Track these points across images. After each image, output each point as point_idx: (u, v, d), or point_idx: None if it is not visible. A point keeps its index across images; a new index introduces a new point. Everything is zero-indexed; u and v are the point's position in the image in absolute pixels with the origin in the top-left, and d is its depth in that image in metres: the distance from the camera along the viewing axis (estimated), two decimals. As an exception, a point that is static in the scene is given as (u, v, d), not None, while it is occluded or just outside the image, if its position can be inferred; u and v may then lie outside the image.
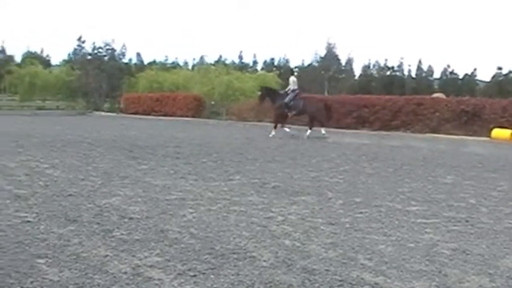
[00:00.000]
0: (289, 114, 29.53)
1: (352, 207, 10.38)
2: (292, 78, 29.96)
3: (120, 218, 9.02)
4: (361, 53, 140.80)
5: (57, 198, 10.58)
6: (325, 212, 9.88)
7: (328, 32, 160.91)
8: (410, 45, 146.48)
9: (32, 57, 76.08)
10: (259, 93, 31.59)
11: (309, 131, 28.88)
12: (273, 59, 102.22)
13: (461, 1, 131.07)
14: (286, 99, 29.09)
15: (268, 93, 30.87)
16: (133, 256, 6.89)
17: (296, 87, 29.67)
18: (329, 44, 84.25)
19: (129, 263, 6.59)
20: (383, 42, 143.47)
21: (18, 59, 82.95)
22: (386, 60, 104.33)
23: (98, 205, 9.97)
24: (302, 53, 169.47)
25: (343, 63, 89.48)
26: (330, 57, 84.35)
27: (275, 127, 29.31)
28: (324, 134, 28.66)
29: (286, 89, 30.03)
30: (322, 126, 29.42)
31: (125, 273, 6.25)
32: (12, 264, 6.49)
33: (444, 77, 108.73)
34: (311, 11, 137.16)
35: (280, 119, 29.75)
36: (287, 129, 29.52)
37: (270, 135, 28.36)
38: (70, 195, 10.89)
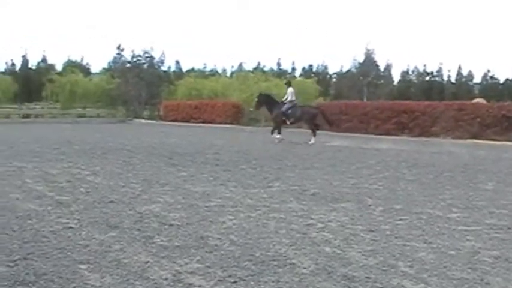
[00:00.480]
0: (287, 121, 29.75)
1: (392, 214, 10.32)
2: (290, 89, 30.26)
3: (160, 224, 9.10)
4: (400, 59, 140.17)
5: (98, 204, 10.70)
6: (365, 219, 9.84)
7: (367, 38, 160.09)
8: (449, 50, 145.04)
9: (72, 66, 76.84)
10: (256, 99, 31.67)
11: (313, 139, 28.99)
12: (311, 65, 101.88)
13: (502, 5, 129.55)
14: (284, 108, 29.48)
15: (266, 100, 31.05)
16: (174, 262, 6.94)
17: (294, 98, 30.11)
18: (367, 50, 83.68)
19: (170, 270, 6.64)
20: (422, 47, 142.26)
21: (59, 67, 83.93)
22: (425, 65, 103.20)
23: (138, 212, 10.06)
24: (340, 59, 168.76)
25: (382, 69, 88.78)
26: (369, 63, 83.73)
27: (279, 132, 29.69)
28: (311, 142, 28.54)
29: (284, 99, 30.42)
30: (314, 134, 29.40)
31: (166, 279, 6.30)
32: (55, 269, 6.59)
33: (485, 82, 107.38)
34: (349, 17, 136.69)
35: (279, 125, 29.99)
36: (277, 136, 29.48)
37: (276, 140, 29.02)
38: (111, 201, 11.01)
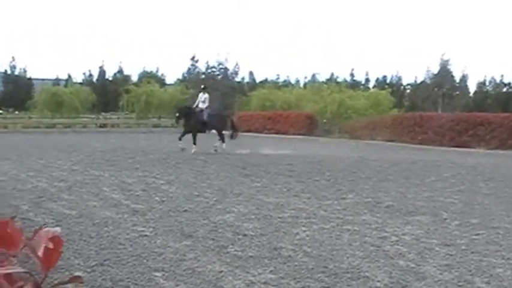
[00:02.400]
0: (206, 131, 28.15)
1: (468, 229, 10.14)
2: (205, 95, 28.54)
3: (234, 234, 9.17)
4: (476, 70, 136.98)
5: (173, 213, 10.86)
6: (440, 233, 9.70)
7: (442, 48, 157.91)
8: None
9: (148, 77, 78.00)
10: (177, 114, 29.04)
11: (223, 144, 27.72)
12: (385, 76, 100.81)
13: None
14: (205, 117, 27.71)
15: (186, 112, 28.59)
16: (248, 272, 6.99)
17: (208, 104, 28.37)
18: (443, 61, 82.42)
19: (243, 279, 6.69)
20: (499, 57, 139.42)
21: (134, 78, 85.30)
22: (502, 76, 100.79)
23: (212, 221, 10.16)
24: (415, 70, 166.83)
25: (457, 80, 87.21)
26: (444, 73, 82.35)
27: (194, 143, 27.01)
28: (215, 147, 27.42)
29: (196, 105, 28.65)
30: (222, 140, 27.94)
31: (239, 289, 6.35)
32: (131, 276, 6.72)
33: None
34: (424, 27, 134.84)
35: (195, 134, 27.39)
36: (181, 144, 27.01)
37: (192, 152, 26.18)
38: (185, 210, 11.15)
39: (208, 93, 29.52)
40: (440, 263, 7.70)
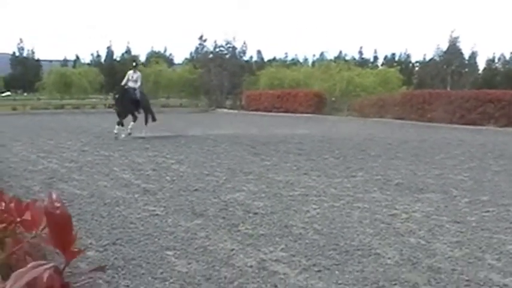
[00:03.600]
0: (136, 113, 24.31)
1: (479, 206, 10.15)
2: (137, 74, 24.62)
3: (245, 212, 9.21)
4: (485, 47, 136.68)
5: (183, 192, 10.91)
6: (450, 210, 9.71)
7: (451, 26, 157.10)
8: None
9: (156, 57, 77.96)
10: (116, 95, 24.47)
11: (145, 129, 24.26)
12: (394, 54, 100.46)
13: None
14: (138, 96, 24.30)
15: (123, 92, 24.12)
16: (259, 250, 7.03)
17: (140, 83, 24.71)
18: (452, 38, 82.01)
19: (255, 257, 6.73)
20: (508, 34, 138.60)
21: (142, 58, 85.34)
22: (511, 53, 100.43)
23: (223, 200, 10.21)
24: (424, 47, 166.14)
25: (467, 57, 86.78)
26: (453, 51, 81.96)
27: (122, 124, 23.53)
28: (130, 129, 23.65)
29: (124, 83, 24.33)
30: (145, 122, 24.76)
31: (251, 267, 6.39)
32: (143, 255, 6.78)
33: None
34: (433, 4, 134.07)
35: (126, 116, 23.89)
36: (117, 131, 23.24)
37: (116, 134, 22.98)
38: (196, 190, 11.19)
39: (140, 71, 25.87)
40: (451, 240, 7.71)
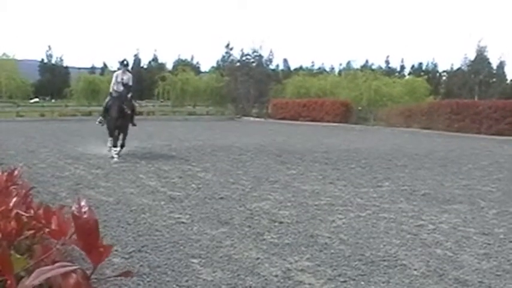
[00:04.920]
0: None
1: (507, 218, 10.06)
2: (128, 75, 19.05)
3: (270, 221, 9.19)
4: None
5: (209, 200, 10.92)
6: (478, 222, 9.63)
7: (479, 35, 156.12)
8: None
9: (183, 65, 78.27)
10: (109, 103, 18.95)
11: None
12: (421, 63, 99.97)
13: None
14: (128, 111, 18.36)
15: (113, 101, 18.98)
16: (284, 260, 7.01)
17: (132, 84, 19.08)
18: (479, 47, 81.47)
19: (280, 267, 6.71)
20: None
21: (169, 66, 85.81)
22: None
23: (248, 208, 10.20)
24: (451, 56, 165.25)
25: (494, 67, 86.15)
26: (481, 60, 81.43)
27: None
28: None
29: (113, 88, 19.12)
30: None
31: (276, 276, 6.38)
32: (168, 262, 6.78)
33: None
34: (461, 13, 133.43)
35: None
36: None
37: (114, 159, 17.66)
38: (222, 198, 11.20)
39: (130, 72, 19.98)
40: (478, 252, 7.65)
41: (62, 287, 1.57)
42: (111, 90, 19.38)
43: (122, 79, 18.85)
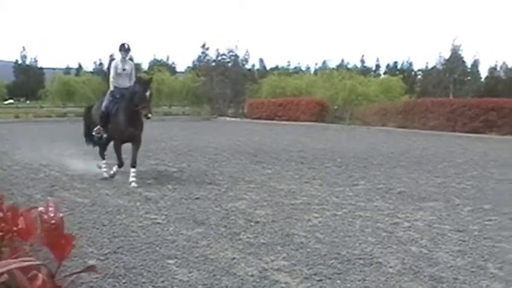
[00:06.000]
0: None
1: (481, 214, 10.13)
2: (129, 64, 14.43)
3: (246, 221, 9.19)
4: (488, 55, 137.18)
5: (185, 201, 10.89)
6: (453, 219, 9.70)
7: (453, 34, 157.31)
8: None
9: (158, 65, 78.08)
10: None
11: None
12: (396, 62, 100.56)
13: None
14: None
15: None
16: (260, 259, 7.01)
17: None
18: (454, 46, 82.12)
19: (256, 266, 6.71)
20: (510, 42, 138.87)
21: (145, 66, 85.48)
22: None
23: (224, 208, 10.19)
24: (426, 55, 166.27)
25: (469, 65, 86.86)
26: (455, 59, 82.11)
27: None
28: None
29: (115, 84, 14.09)
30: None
31: (252, 275, 6.37)
32: (144, 263, 6.76)
33: None
34: (435, 12, 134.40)
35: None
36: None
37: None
38: (197, 198, 11.18)
39: (132, 60, 16.44)
40: (453, 249, 7.69)
41: (27, 285, 1.56)
42: (111, 87, 13.98)
43: (124, 69, 13.97)
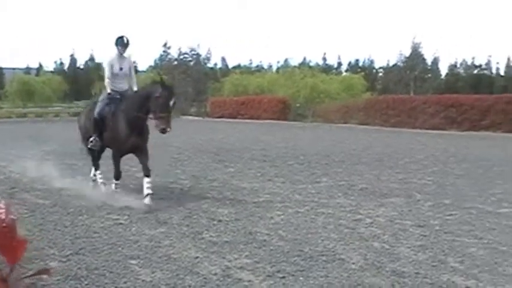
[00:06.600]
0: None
1: (442, 209, 10.24)
2: (128, 61, 12.21)
3: (209, 220, 9.17)
4: (447, 52, 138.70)
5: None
6: (414, 214, 9.79)
7: (413, 31, 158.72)
8: (498, 42, 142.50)
9: (119, 64, 77.60)
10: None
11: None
12: (357, 60, 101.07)
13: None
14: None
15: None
16: (223, 258, 6.99)
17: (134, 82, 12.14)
18: (414, 44, 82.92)
19: (219, 265, 6.69)
20: (470, 39, 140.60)
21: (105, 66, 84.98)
22: (473, 58, 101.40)
23: (187, 208, 10.15)
24: (387, 53, 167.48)
25: (429, 63, 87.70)
26: (415, 56, 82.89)
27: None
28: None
29: (111, 87, 11.64)
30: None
31: (215, 274, 6.36)
32: (106, 264, 6.70)
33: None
34: (396, 10, 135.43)
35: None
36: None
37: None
38: (160, 198, 11.09)
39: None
40: (414, 244, 7.76)
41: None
42: (108, 90, 11.57)
43: (121, 69, 11.73)
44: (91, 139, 11.69)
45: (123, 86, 11.68)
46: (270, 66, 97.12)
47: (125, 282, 6.10)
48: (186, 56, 67.45)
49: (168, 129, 10.40)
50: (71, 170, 15.14)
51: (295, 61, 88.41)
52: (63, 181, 13.10)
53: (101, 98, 11.89)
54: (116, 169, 11.68)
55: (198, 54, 68.48)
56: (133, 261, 6.85)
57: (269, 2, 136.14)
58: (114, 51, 11.86)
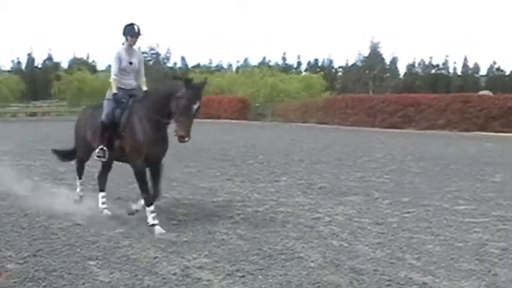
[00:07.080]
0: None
1: (399, 207, 10.35)
2: (138, 54, 10.19)
3: (168, 220, 9.13)
4: (406, 52, 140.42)
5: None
6: (372, 212, 9.87)
7: (372, 31, 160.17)
8: (455, 42, 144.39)
9: (78, 63, 76.91)
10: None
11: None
12: (317, 59, 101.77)
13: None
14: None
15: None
16: (182, 257, 6.98)
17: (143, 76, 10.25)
18: (373, 43, 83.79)
19: (178, 265, 6.68)
20: (427, 40, 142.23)
21: (64, 65, 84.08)
22: (431, 58, 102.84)
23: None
24: (346, 52, 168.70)
25: (388, 62, 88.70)
26: (374, 56, 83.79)
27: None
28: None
29: (119, 84, 9.76)
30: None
31: (174, 274, 6.34)
32: (64, 266, 6.63)
33: (491, 74, 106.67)
34: (354, 10, 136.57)
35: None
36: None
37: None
38: (119, 198, 11.06)
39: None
40: (373, 242, 7.83)
41: None
42: (114, 89, 9.69)
43: (131, 63, 9.87)
44: (97, 150, 9.63)
45: (131, 82, 9.91)
46: (230, 66, 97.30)
47: (83, 284, 6.05)
48: (145, 55, 67.14)
49: (187, 139, 8.68)
50: (28, 171, 14.97)
51: (254, 61, 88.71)
52: (20, 182, 12.93)
53: (106, 100, 9.78)
54: (145, 188, 9.10)
55: (157, 54, 68.31)
56: (92, 262, 6.79)
57: (231, 2, 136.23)
58: (121, 42, 9.90)
